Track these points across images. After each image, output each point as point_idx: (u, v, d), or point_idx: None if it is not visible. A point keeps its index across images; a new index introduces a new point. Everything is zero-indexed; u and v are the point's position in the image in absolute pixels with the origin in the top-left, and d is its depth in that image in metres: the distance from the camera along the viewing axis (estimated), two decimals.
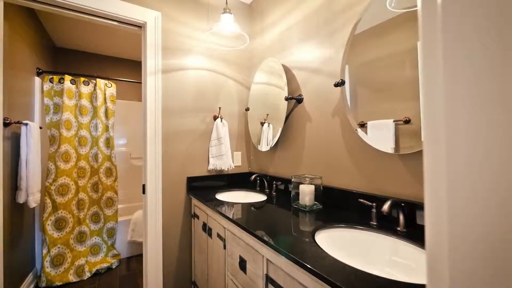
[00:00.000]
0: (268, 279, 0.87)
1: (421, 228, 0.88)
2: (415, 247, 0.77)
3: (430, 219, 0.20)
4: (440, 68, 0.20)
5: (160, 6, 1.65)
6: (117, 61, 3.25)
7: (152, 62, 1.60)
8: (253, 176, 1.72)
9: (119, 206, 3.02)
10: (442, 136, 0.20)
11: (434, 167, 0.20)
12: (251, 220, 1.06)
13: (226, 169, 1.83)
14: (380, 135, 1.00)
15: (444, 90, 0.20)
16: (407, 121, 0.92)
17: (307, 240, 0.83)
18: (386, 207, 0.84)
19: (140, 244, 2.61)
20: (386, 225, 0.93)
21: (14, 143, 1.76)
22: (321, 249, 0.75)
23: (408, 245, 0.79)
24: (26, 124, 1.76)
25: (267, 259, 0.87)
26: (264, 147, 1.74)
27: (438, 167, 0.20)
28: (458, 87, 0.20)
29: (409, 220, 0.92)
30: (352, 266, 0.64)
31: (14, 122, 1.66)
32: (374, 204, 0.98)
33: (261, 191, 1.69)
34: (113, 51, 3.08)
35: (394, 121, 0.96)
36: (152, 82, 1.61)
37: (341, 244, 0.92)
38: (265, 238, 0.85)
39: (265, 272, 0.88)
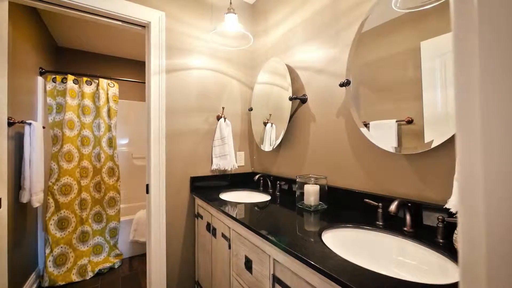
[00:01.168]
0: (275, 279, 0.87)
1: (428, 228, 0.88)
2: (424, 248, 0.77)
3: (464, 221, 0.20)
4: (476, 59, 0.19)
5: (164, 6, 1.65)
6: (119, 61, 3.25)
7: (156, 62, 1.60)
8: (257, 176, 1.72)
9: (121, 206, 3.02)
10: (477, 134, 0.19)
11: (470, 167, 0.19)
12: (256, 220, 1.06)
13: (229, 169, 1.83)
14: (383, 135, 1.01)
15: (479, 87, 0.19)
16: (409, 121, 0.93)
17: (314, 240, 0.83)
18: (393, 207, 0.84)
19: (142, 244, 2.61)
20: (393, 225, 0.93)
21: (18, 142, 1.76)
22: (329, 249, 0.75)
23: (417, 246, 0.79)
24: (30, 124, 1.76)
25: (274, 259, 0.87)
26: (267, 147, 1.74)
27: (474, 167, 0.19)
28: (498, 82, 0.19)
29: (415, 221, 0.92)
30: (361, 266, 0.64)
31: (18, 122, 1.66)
32: (380, 204, 0.98)
33: (265, 191, 1.69)
34: (115, 51, 3.08)
35: (396, 121, 0.96)
36: (156, 82, 1.61)
37: (348, 244, 0.92)
38: (272, 238, 0.85)
39: (271, 272, 0.88)
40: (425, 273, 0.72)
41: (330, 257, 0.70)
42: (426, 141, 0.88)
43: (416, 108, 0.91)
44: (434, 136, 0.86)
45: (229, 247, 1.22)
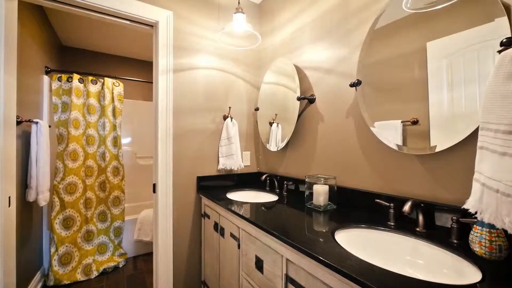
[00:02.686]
0: (288, 279, 0.87)
1: (440, 229, 0.88)
2: (438, 248, 0.77)
3: None
4: None
5: (172, 5, 1.65)
6: (124, 60, 3.25)
7: (163, 61, 1.60)
8: (264, 176, 1.72)
9: (125, 205, 3.02)
10: None
11: None
12: (266, 220, 1.06)
13: (235, 169, 1.83)
14: (388, 136, 1.02)
15: None
16: (414, 122, 0.93)
17: (328, 240, 0.83)
18: (407, 207, 0.84)
19: (146, 243, 2.61)
20: (405, 226, 0.93)
21: (24, 141, 1.76)
22: (344, 249, 0.75)
23: (432, 246, 0.79)
24: (37, 123, 1.76)
25: (287, 259, 0.87)
26: (273, 147, 1.74)
27: None
28: None
29: (427, 221, 0.92)
30: (379, 266, 0.64)
31: (25, 121, 1.66)
32: (391, 204, 0.98)
33: (271, 191, 1.69)
34: (120, 51, 3.08)
35: (401, 121, 0.98)
36: (164, 81, 1.61)
37: (362, 244, 0.92)
38: (285, 238, 0.85)
39: (284, 272, 0.88)
40: (442, 274, 0.72)
41: (347, 257, 0.70)
42: (432, 143, 0.88)
43: (422, 108, 0.91)
44: (441, 137, 0.86)
45: (239, 247, 1.21)
